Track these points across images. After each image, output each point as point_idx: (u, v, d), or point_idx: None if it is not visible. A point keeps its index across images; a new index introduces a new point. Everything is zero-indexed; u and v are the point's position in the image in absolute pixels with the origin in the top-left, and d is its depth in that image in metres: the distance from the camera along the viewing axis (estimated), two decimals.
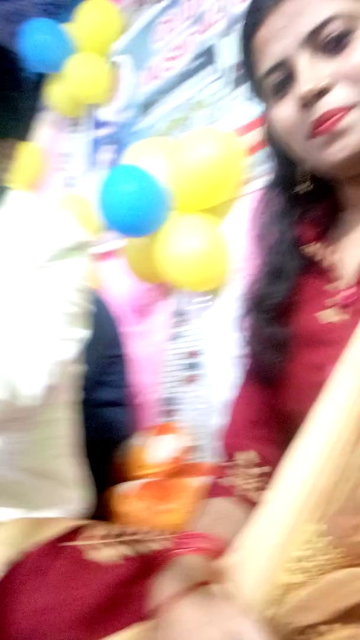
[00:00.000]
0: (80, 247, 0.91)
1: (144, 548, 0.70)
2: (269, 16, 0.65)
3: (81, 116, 2.78)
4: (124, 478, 1.45)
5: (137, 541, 0.71)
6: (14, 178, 2.84)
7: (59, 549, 0.67)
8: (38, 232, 0.88)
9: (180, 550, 0.61)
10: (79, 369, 1.04)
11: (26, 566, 0.64)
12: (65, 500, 0.98)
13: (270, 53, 0.66)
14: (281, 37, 0.64)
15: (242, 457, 0.73)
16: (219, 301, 1.72)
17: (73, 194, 2.69)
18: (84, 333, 0.91)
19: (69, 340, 0.87)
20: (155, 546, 0.70)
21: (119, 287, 2.19)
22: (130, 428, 1.70)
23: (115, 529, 0.74)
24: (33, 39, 2.69)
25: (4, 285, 0.86)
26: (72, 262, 0.89)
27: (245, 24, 0.70)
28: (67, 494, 0.99)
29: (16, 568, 0.64)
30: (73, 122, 2.90)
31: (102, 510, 1.35)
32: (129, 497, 1.31)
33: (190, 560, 0.59)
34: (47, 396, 0.83)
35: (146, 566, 0.66)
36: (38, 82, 3.02)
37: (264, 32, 0.66)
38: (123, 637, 0.58)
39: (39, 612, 0.60)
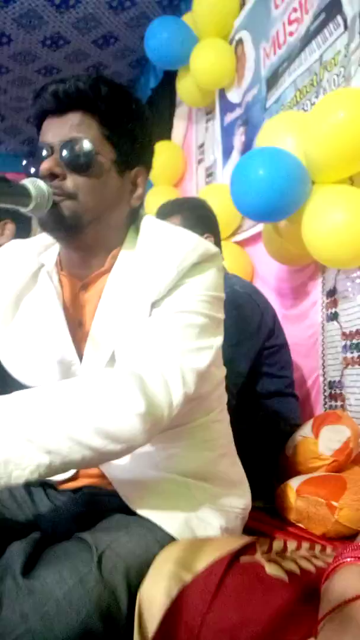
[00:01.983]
0: (205, 260, 0.92)
1: (308, 564, 0.68)
2: None
3: (212, 104, 2.77)
4: (295, 471, 1.43)
5: (303, 557, 0.70)
6: (159, 177, 2.94)
7: (236, 565, 0.69)
8: (165, 255, 0.91)
9: (344, 561, 0.58)
10: (223, 372, 1.05)
11: (201, 585, 0.67)
12: (226, 501, 0.98)
13: None
14: None
15: None
16: None
17: (214, 184, 2.70)
18: (216, 341, 0.93)
19: (201, 350, 0.89)
20: (320, 563, 0.68)
21: (269, 271, 2.15)
22: (298, 418, 1.68)
23: (283, 544, 0.73)
24: (158, 39, 2.76)
25: (141, 307, 0.90)
26: (200, 277, 0.91)
27: None
28: (228, 494, 1.00)
29: (190, 587, 0.67)
30: (206, 111, 2.91)
31: (273, 504, 1.35)
32: (299, 491, 1.28)
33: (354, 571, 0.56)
34: (184, 405, 0.85)
35: (312, 583, 0.64)
36: (167, 81, 3.09)
37: None
38: None
39: (228, 630, 0.62)
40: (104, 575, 0.73)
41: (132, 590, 0.74)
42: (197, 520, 0.91)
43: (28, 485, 1.00)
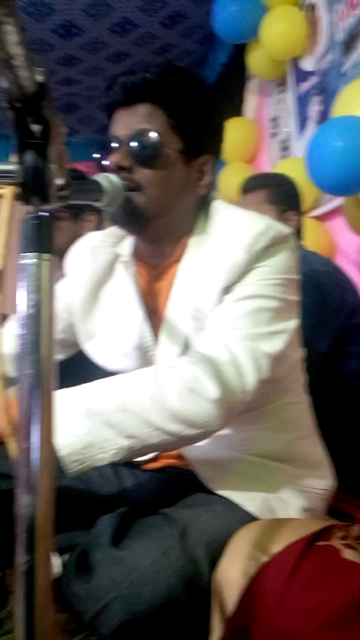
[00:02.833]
0: (277, 242, 0.90)
1: None
2: None
3: (285, 75, 2.67)
4: None
5: None
6: (231, 155, 2.88)
7: (312, 548, 0.69)
8: (236, 240, 0.90)
9: None
10: (301, 354, 1.03)
11: (278, 566, 0.67)
12: (307, 482, 0.98)
13: None
14: None
15: None
16: None
17: (289, 158, 2.62)
18: (290, 324, 0.92)
19: (275, 334, 0.88)
20: None
21: (351, 246, 2.07)
22: None
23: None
24: (225, 13, 2.69)
25: (213, 293, 0.90)
26: (272, 260, 0.90)
27: None
28: (308, 475, 1.00)
29: (267, 568, 0.68)
30: (278, 83, 2.81)
31: (358, 485, 1.32)
32: None
33: None
34: (258, 390, 0.85)
35: None
36: (237, 56, 3.01)
37: None
38: None
39: (305, 611, 0.62)
40: (187, 549, 0.76)
41: (214, 564, 0.76)
42: (277, 501, 0.92)
43: (114, 464, 1.05)
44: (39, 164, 0.43)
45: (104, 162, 0.92)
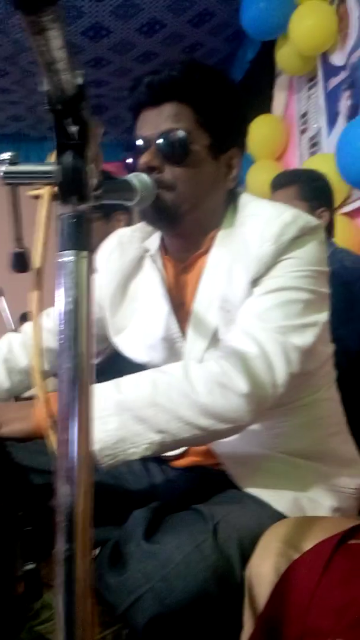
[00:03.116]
0: (306, 233, 0.89)
1: None
2: None
3: (314, 70, 2.65)
4: None
5: None
6: (260, 152, 2.86)
7: (344, 546, 0.69)
8: (263, 231, 0.90)
9: None
10: (331, 349, 1.03)
11: (310, 563, 0.67)
12: (338, 481, 0.97)
13: None
14: None
15: None
16: None
17: (319, 154, 2.60)
18: (321, 317, 0.91)
19: (306, 327, 0.87)
20: None
21: None
22: None
23: None
24: (254, 9, 2.68)
25: (241, 285, 0.90)
26: (300, 251, 0.89)
27: None
28: (340, 473, 0.98)
29: (297, 565, 0.68)
30: (307, 79, 2.79)
31: None
32: None
33: None
34: (289, 383, 0.84)
35: None
36: (265, 52, 3.00)
37: None
38: None
39: (337, 609, 0.62)
40: (219, 544, 0.76)
41: (246, 560, 0.77)
42: (307, 500, 0.92)
43: (144, 460, 1.07)
44: (78, 164, 0.44)
45: (131, 162, 0.93)
